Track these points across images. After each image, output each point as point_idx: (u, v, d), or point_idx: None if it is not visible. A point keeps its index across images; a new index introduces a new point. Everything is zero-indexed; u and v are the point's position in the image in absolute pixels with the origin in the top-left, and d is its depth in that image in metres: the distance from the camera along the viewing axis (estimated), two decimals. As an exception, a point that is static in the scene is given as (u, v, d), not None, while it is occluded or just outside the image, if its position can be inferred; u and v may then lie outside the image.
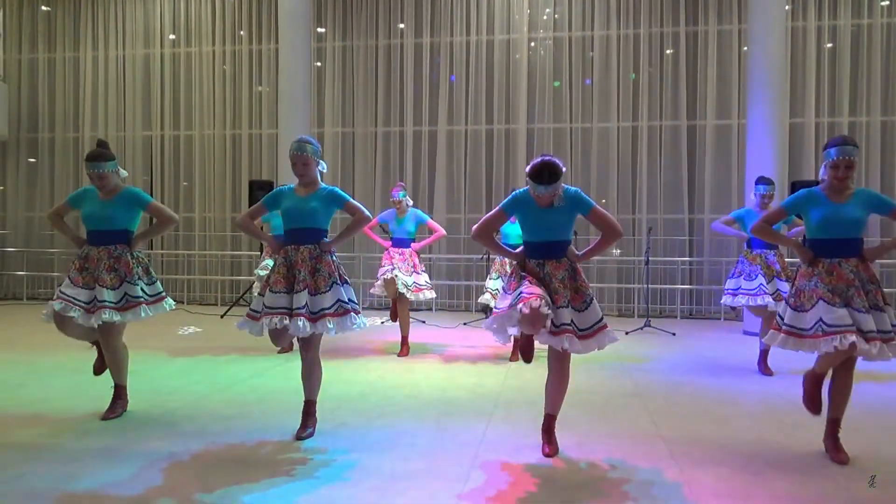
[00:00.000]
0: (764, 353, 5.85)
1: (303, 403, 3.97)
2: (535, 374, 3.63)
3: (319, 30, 11.01)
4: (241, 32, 11.28)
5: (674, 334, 8.08)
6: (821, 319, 3.36)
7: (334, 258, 3.90)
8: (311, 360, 3.93)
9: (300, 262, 3.79)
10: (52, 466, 3.34)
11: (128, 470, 3.29)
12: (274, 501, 2.94)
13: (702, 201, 10.16)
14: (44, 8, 11.87)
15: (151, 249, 11.48)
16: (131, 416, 4.26)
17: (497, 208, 3.68)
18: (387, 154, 10.91)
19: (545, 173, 3.36)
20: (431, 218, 7.10)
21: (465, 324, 8.83)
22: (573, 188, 3.57)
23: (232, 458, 3.50)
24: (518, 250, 3.67)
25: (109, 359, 4.27)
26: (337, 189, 3.97)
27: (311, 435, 3.87)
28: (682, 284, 9.93)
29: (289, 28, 9.73)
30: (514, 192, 3.66)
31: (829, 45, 9.93)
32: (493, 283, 6.43)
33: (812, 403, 3.63)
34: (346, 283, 3.91)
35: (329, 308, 3.74)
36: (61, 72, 11.81)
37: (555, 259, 3.54)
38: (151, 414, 4.32)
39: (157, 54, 11.49)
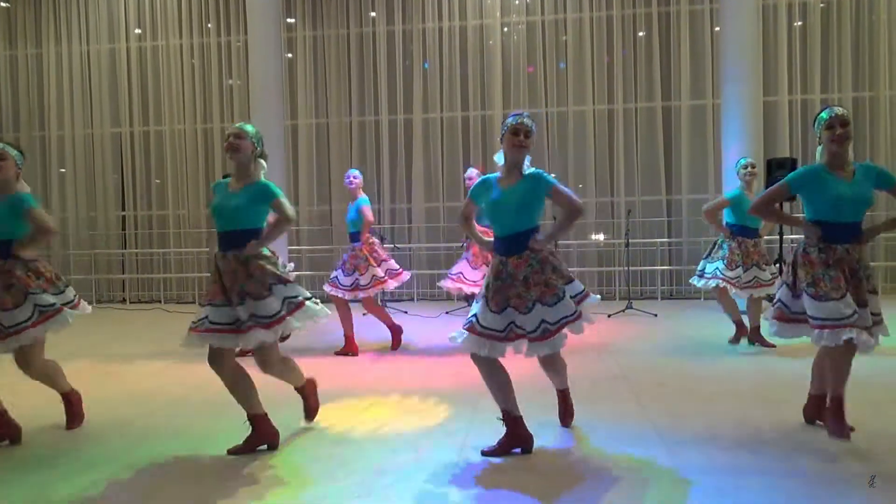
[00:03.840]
0: (757, 328, 5.89)
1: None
2: (520, 363, 3.58)
3: (289, 20, 10.82)
4: (209, 25, 11.05)
5: (655, 315, 8.11)
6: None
7: (264, 261, 3.43)
8: (280, 369, 3.68)
9: (229, 273, 3.38)
10: (24, 476, 3.22)
11: (104, 477, 3.18)
12: (260, 501, 2.86)
13: (679, 182, 10.18)
14: (2, 4, 11.51)
15: (125, 249, 11.26)
16: (107, 420, 4.14)
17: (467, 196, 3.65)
18: (362, 144, 10.78)
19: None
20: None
21: (447, 313, 8.78)
22: (536, 169, 3.40)
23: (213, 459, 3.42)
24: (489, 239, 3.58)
25: (38, 377, 3.78)
26: (270, 184, 3.50)
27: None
28: (661, 266, 9.97)
29: (258, 19, 9.53)
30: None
31: (799, 22, 9.98)
32: (471, 274, 6.39)
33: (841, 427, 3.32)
34: (283, 283, 3.46)
35: (283, 310, 3.39)
36: (24, 69, 11.48)
37: (515, 255, 3.29)
38: (127, 417, 4.22)
39: (123, 49, 11.21)
